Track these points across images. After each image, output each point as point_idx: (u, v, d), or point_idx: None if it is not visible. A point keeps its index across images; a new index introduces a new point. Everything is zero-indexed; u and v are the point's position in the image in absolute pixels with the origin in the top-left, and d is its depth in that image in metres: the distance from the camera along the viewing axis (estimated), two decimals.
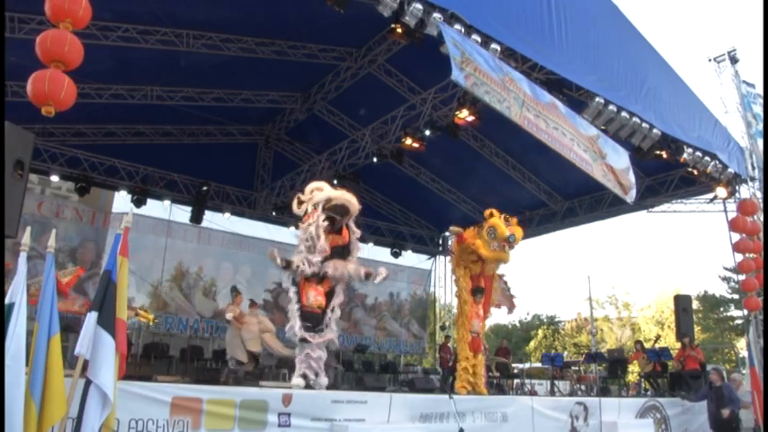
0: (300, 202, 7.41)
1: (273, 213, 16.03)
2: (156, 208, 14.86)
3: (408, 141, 12.04)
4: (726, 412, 9.08)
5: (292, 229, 16.82)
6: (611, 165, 9.25)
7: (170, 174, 14.89)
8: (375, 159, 13.06)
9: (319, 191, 7.27)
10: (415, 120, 12.13)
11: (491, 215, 9.04)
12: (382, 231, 18.54)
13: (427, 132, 11.87)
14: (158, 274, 14.79)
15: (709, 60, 13.53)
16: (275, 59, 11.56)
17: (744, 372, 13.69)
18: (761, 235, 12.23)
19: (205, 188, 14.95)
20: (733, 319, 31.10)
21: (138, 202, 14.24)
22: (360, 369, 13.14)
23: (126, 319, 4.26)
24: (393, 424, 5.95)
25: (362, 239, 18.06)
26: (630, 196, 9.38)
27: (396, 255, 18.89)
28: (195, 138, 14.42)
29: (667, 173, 13.50)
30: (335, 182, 14.30)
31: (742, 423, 9.80)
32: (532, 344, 40.05)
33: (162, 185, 14.80)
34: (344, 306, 17.65)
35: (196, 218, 15.15)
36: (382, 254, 18.79)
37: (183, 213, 15.20)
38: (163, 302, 14.86)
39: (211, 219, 15.61)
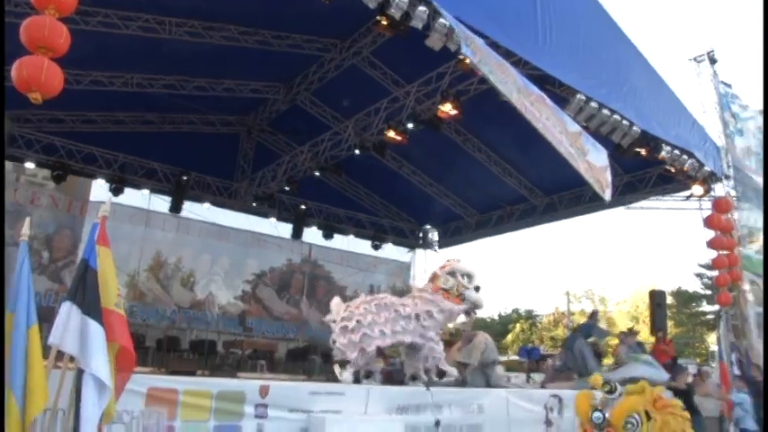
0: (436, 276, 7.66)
1: (254, 204, 15.94)
2: (135, 197, 14.73)
3: (391, 134, 12.03)
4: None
5: (273, 220, 16.78)
6: (592, 162, 9.33)
7: (149, 162, 14.73)
8: (357, 151, 13.04)
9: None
10: (398, 113, 12.11)
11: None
12: (363, 223, 18.55)
13: (410, 125, 11.86)
14: (136, 263, 14.67)
15: (690, 60, 13.71)
16: (258, 49, 11.47)
17: (713, 365, 13.99)
18: (734, 233, 12.46)
19: (185, 178, 14.82)
20: (705, 314, 31.73)
21: (117, 190, 14.08)
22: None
23: (119, 310, 4.20)
24: (370, 416, 5.97)
25: (343, 231, 18.25)
26: (607, 195, 9.47)
27: (376, 247, 18.91)
28: (176, 126, 14.26)
29: (645, 170, 13.64)
30: (317, 173, 14.34)
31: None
32: (510, 337, 40.41)
33: (141, 174, 14.64)
34: (323, 297, 17.78)
35: (175, 207, 15.02)
36: (362, 246, 18.83)
37: (161, 203, 15.08)
38: (140, 292, 14.75)
39: (191, 209, 15.49)
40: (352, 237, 18.57)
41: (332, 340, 7.13)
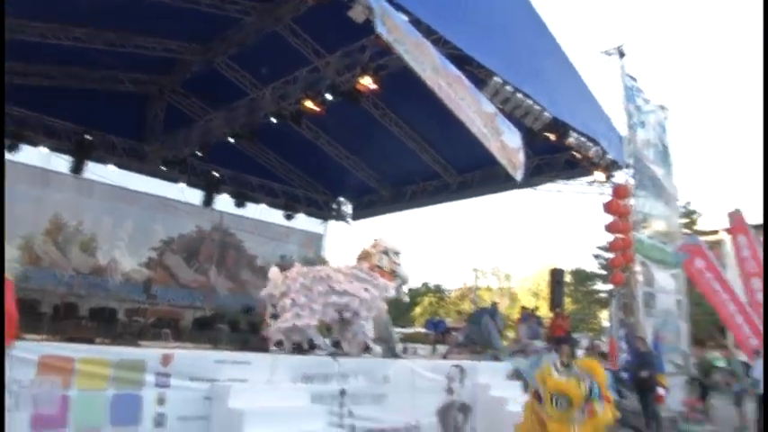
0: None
1: (164, 168, 15.34)
2: (32, 155, 13.81)
3: (309, 104, 11.89)
4: (645, 374, 10.35)
5: (182, 185, 16.26)
6: (506, 143, 9.63)
7: (49, 119, 13.84)
8: (274, 119, 12.78)
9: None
10: (317, 83, 11.97)
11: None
12: (276, 193, 18.32)
13: (328, 96, 11.76)
14: (32, 226, 13.79)
15: (601, 53, 14.32)
16: (175, 6, 10.90)
17: (604, 339, 14.99)
18: (630, 218, 13.28)
19: (88, 137, 14.02)
20: (599, 292, 33.72)
21: (12, 148, 13.13)
22: (246, 330, 13.02)
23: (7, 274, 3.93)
24: (276, 384, 5.98)
25: (255, 200, 17.96)
26: (519, 175, 9.83)
27: (289, 217, 18.75)
28: (80, 82, 13.33)
29: (553, 155, 14.23)
30: (231, 139, 13.98)
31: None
32: (418, 310, 41.35)
33: (40, 132, 13.72)
34: (232, 266, 17.49)
35: (76, 168, 14.23)
36: (275, 215, 18.61)
37: (62, 162, 14.23)
38: (35, 256, 13.92)
39: (94, 170, 14.72)
40: (264, 206, 18.32)
41: (268, 314, 7.37)
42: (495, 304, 15.25)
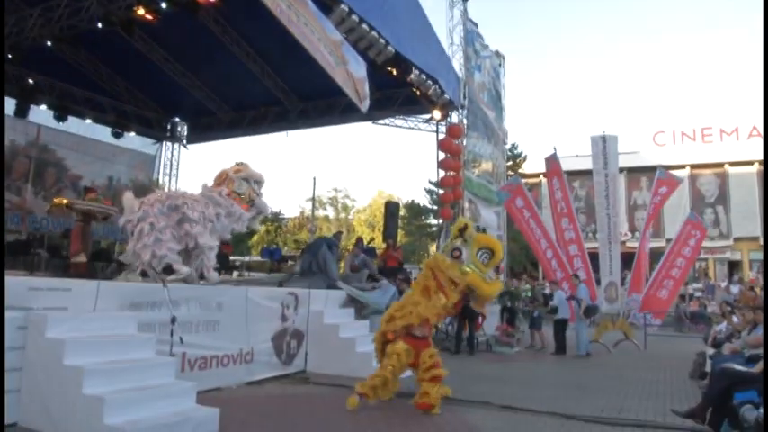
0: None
1: None
2: None
3: (141, 11, 10.89)
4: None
5: None
6: (352, 73, 9.66)
7: None
8: (101, 25, 11.53)
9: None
10: None
11: (465, 228, 6.18)
12: (103, 107, 16.83)
13: (163, 5, 10.83)
14: None
15: None
16: None
17: None
18: (461, 157, 14.12)
19: None
20: (431, 226, 35.70)
21: None
22: (68, 255, 12.09)
23: None
24: (100, 312, 5.68)
25: (79, 114, 16.36)
26: (364, 106, 9.99)
27: (117, 135, 17.39)
28: None
29: (394, 90, 14.53)
30: (50, 43, 12.50)
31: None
32: (255, 238, 41.04)
33: None
34: (53, 187, 15.96)
35: None
36: (101, 133, 17.14)
37: None
38: None
39: None
40: (89, 121, 16.78)
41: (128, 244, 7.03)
42: (339, 233, 15.64)
